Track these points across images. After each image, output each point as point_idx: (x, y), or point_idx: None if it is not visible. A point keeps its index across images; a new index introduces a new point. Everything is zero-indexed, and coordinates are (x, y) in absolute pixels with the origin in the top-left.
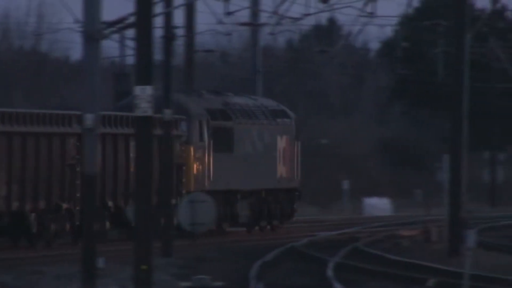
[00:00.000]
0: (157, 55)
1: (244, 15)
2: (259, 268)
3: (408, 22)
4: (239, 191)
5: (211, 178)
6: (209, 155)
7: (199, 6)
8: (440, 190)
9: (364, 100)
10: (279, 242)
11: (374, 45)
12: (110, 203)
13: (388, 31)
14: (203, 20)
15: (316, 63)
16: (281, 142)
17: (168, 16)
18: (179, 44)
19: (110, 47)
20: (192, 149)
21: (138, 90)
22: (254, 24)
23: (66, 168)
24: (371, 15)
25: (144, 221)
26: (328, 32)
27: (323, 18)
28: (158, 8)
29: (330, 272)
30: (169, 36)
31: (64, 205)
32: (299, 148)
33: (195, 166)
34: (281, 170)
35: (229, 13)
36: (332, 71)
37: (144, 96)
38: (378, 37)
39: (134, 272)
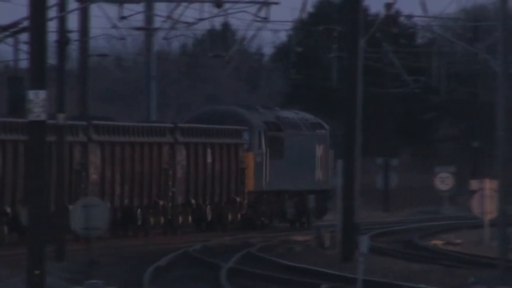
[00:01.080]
0: (51, 59)
1: (138, 20)
2: (152, 273)
3: (302, 27)
4: (287, 191)
5: (267, 180)
6: (265, 161)
7: (94, 11)
8: (334, 195)
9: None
10: (174, 247)
11: (268, 50)
12: (193, 201)
13: (282, 36)
14: (98, 25)
15: (210, 68)
16: (319, 150)
17: (62, 20)
18: (73, 49)
19: (4, 50)
20: (252, 155)
21: (31, 94)
22: (148, 29)
23: (162, 172)
24: (265, 20)
25: (37, 226)
26: (222, 36)
27: (218, 22)
28: (52, 12)
29: (223, 278)
30: (63, 40)
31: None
32: (332, 155)
33: (254, 169)
34: (319, 173)
35: (123, 18)
36: (226, 76)
37: (37, 100)
38: (272, 42)
39: (27, 277)
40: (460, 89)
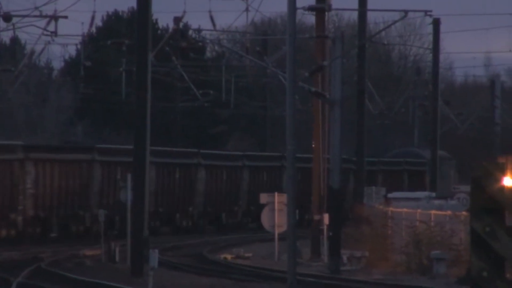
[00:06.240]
0: None
1: None
2: None
3: (91, 41)
4: None
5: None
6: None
7: None
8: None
9: (47, 119)
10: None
11: (58, 64)
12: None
13: (71, 50)
14: None
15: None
16: (451, 174)
17: None
18: None
19: None
20: (427, 179)
21: None
22: None
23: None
24: (54, 34)
25: None
26: (11, 51)
27: (6, 37)
28: None
29: None
30: None
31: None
32: (456, 177)
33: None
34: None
35: None
36: (15, 90)
37: None
38: (61, 56)
39: None
40: (250, 102)
